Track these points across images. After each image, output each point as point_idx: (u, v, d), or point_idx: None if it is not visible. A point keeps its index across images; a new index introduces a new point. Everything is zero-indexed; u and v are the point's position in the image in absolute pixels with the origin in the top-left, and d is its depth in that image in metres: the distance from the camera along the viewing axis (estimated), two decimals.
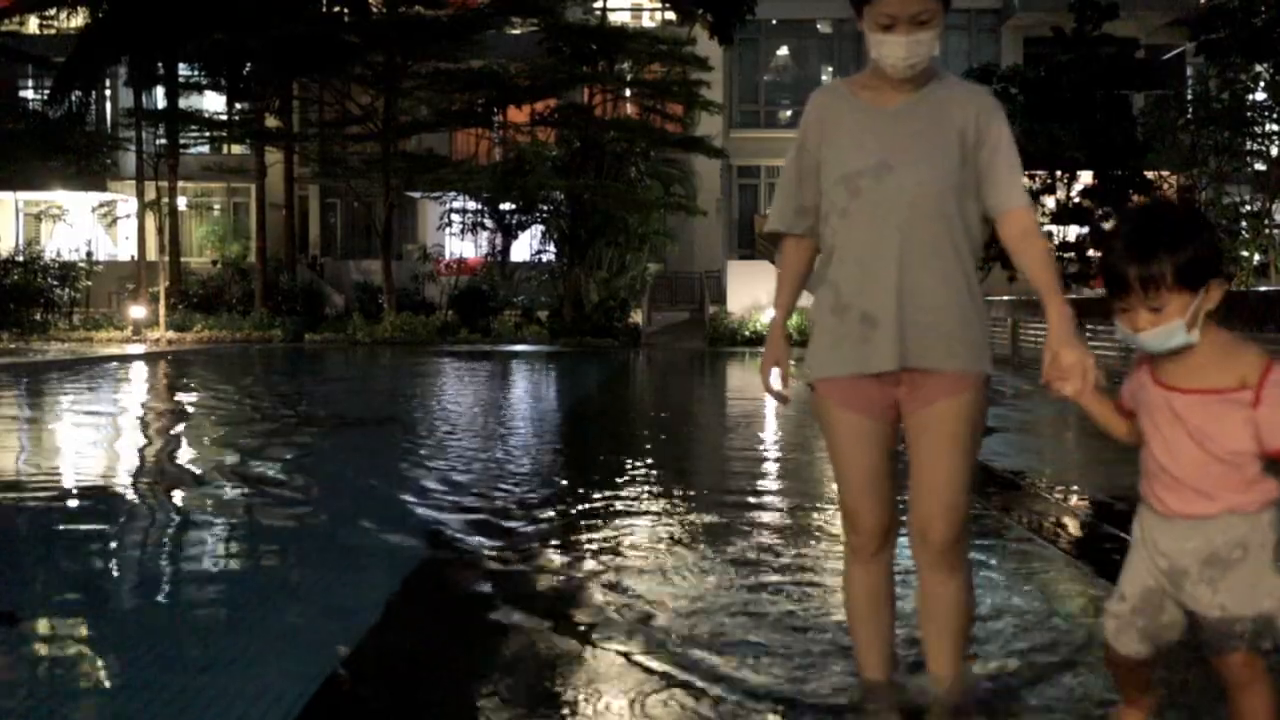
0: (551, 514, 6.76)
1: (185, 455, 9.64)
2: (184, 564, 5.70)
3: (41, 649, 4.17)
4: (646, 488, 7.79)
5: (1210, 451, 2.57)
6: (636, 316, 34.44)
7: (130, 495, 7.69)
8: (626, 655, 3.94)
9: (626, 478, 8.23)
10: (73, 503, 7.45)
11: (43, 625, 4.47)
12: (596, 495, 7.30)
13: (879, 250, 3.12)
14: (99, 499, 7.54)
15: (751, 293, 33.75)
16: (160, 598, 5.07)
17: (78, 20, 35.79)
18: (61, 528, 6.59)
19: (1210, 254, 2.52)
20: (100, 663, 4.01)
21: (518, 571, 5.27)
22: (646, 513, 6.76)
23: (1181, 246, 2.49)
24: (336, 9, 35.33)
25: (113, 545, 6.10)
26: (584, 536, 5.98)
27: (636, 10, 40.67)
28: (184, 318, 33.62)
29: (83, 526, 6.60)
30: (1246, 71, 23.69)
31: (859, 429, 3.24)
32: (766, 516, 6.72)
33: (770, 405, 15.11)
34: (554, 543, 5.89)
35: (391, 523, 6.43)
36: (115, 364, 22.83)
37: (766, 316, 32.62)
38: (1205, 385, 2.57)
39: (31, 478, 8.48)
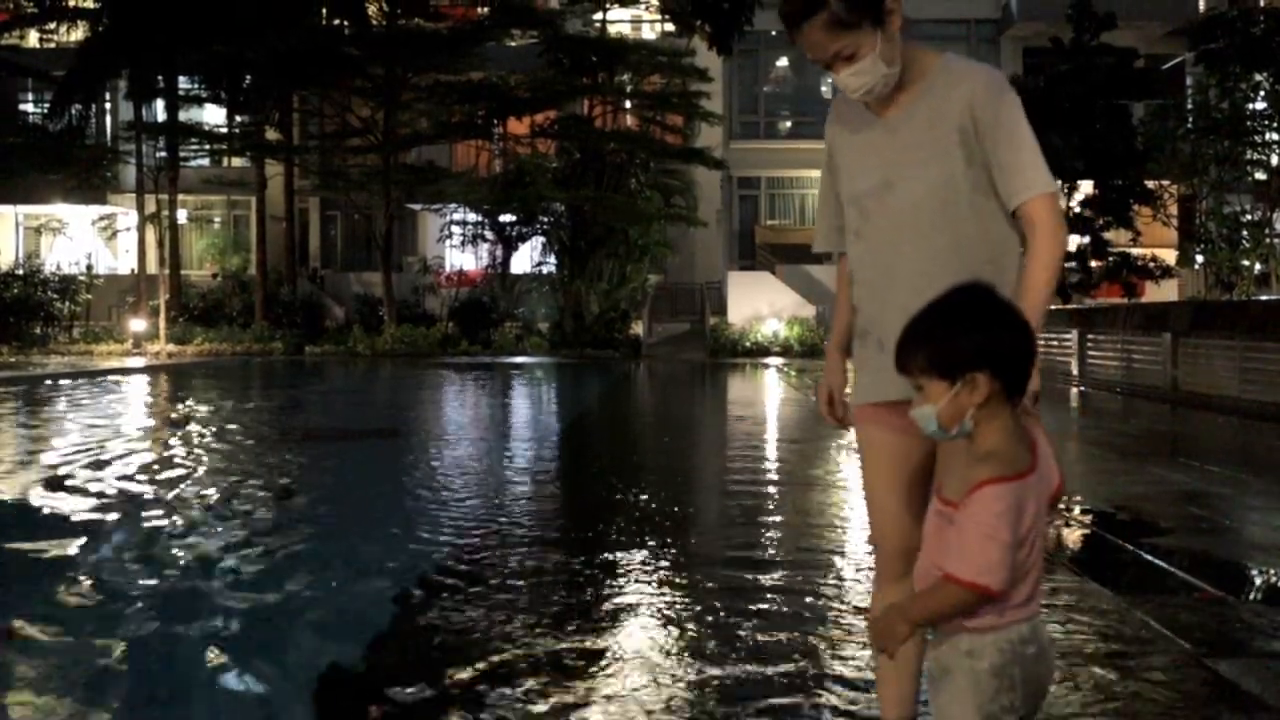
0: (524, 585, 5.90)
1: (172, 477, 9.59)
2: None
3: None
4: (644, 538, 6.75)
5: (932, 564, 2.39)
6: (637, 328, 34.37)
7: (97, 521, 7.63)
8: None
9: (623, 529, 7.22)
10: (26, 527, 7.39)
11: None
12: (588, 555, 6.52)
13: (888, 273, 2.96)
14: (57, 523, 7.48)
15: (752, 304, 33.71)
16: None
17: (77, 34, 35.81)
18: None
19: (975, 347, 2.30)
20: None
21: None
22: (641, 579, 5.81)
23: (941, 331, 2.33)
24: (336, 21, 35.34)
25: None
26: (563, 642, 4.56)
27: (636, 22, 40.69)
28: (184, 331, 33.54)
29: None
30: (1246, 80, 23.66)
31: (883, 443, 3.04)
32: (781, 580, 6.62)
33: (779, 423, 15.08)
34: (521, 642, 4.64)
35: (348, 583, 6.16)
36: (114, 378, 22.78)
37: (767, 327, 32.57)
38: (944, 494, 2.40)
39: (18, 494, 8.44)
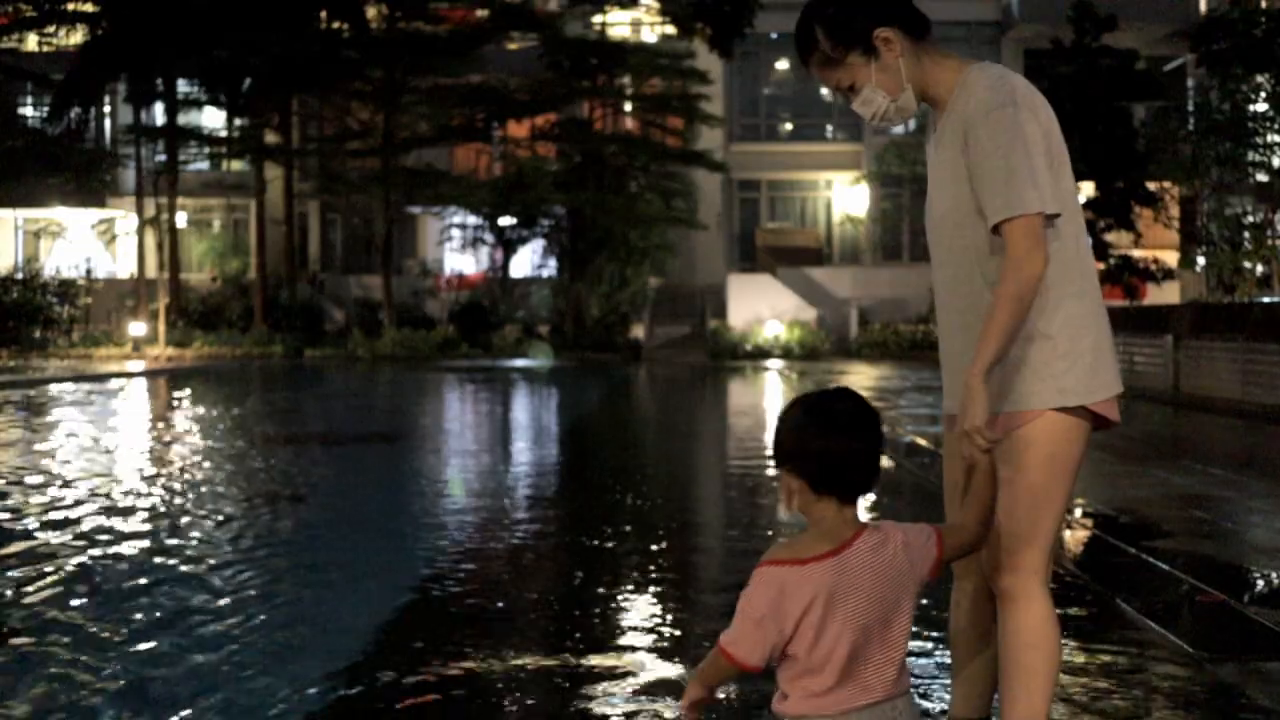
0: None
1: (165, 483, 9.55)
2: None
3: None
4: (646, 553, 6.82)
5: None
6: (637, 331, 34.33)
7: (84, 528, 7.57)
8: None
9: (624, 545, 7.19)
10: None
11: None
12: (587, 571, 6.52)
13: (937, 291, 3.06)
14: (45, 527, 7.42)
15: (753, 307, 33.63)
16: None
17: (77, 37, 35.75)
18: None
19: (778, 447, 2.50)
20: None
21: None
22: (642, 599, 5.74)
23: (776, 427, 2.52)
24: (336, 25, 35.30)
25: None
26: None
27: (636, 24, 40.66)
28: (184, 334, 33.46)
29: None
30: (1247, 82, 23.58)
31: (951, 443, 3.10)
32: None
33: None
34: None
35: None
36: (114, 382, 22.74)
37: (768, 330, 32.49)
38: None
39: (20, 498, 8.38)
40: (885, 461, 9.84)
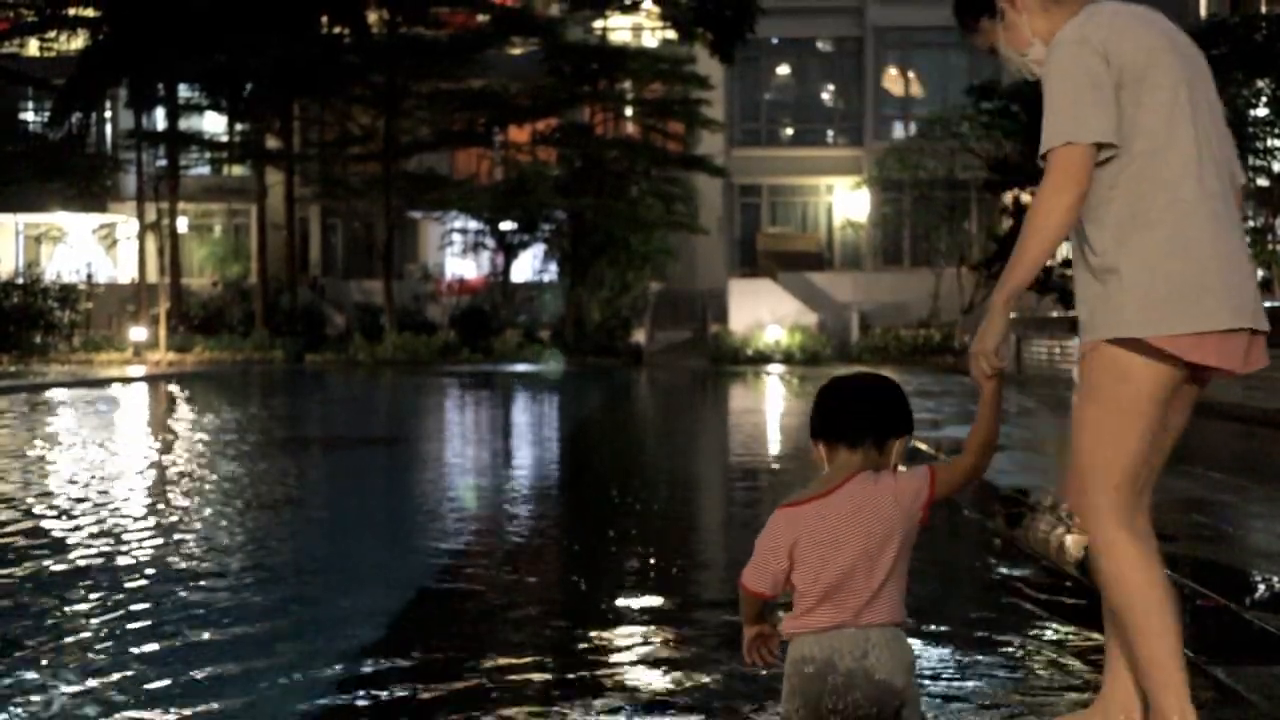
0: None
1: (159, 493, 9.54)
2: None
3: None
4: (646, 570, 6.56)
5: None
6: (638, 335, 34.34)
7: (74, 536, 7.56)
8: None
9: (623, 562, 6.77)
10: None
11: None
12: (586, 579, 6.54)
13: None
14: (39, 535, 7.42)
15: (754, 311, 33.63)
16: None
17: (78, 42, 35.82)
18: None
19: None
20: None
21: None
22: (643, 622, 5.70)
23: None
24: (337, 30, 35.36)
25: None
26: None
27: (637, 29, 40.72)
28: (184, 339, 33.50)
29: None
30: (1248, 87, 23.59)
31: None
32: None
33: (791, 435, 15.00)
34: None
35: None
36: (115, 386, 22.73)
37: (769, 335, 32.48)
38: None
39: (21, 502, 8.38)
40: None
